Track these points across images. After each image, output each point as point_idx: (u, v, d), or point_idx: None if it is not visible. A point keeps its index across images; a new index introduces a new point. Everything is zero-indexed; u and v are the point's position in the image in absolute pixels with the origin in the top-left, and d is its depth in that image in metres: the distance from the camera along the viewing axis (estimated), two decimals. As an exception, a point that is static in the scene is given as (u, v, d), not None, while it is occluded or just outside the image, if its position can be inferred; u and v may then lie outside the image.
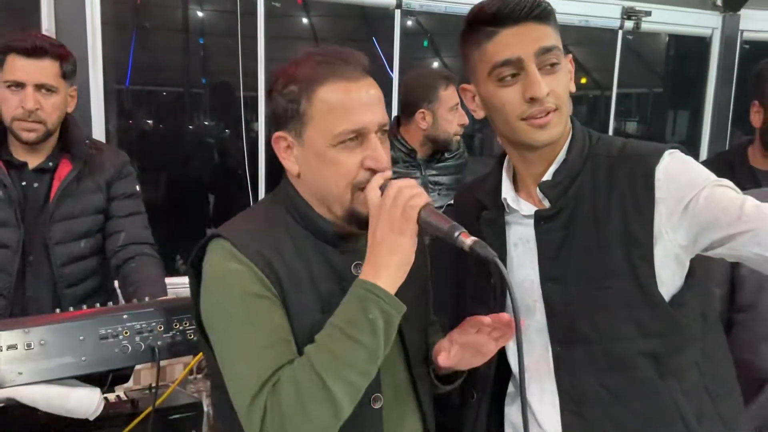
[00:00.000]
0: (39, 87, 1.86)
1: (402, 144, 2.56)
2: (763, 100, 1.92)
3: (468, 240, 1.04)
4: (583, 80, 4.49)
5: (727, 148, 4.36)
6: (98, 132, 3.10)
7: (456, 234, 1.04)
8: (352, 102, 1.09)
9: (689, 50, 4.66)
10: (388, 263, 1.04)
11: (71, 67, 1.94)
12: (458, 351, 1.18)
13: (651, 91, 5.17)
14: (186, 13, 3.74)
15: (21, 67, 1.84)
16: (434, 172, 2.57)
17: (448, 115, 2.47)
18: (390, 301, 1.03)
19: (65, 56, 1.91)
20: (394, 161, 2.45)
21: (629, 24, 4.07)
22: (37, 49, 1.84)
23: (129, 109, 3.72)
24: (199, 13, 3.76)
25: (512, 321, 1.07)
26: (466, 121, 2.48)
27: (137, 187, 2.12)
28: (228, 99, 3.55)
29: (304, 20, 4.02)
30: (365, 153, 1.10)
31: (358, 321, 1.02)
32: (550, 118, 1.16)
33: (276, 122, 1.15)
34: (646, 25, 4.10)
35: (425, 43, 4.47)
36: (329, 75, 1.09)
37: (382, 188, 1.08)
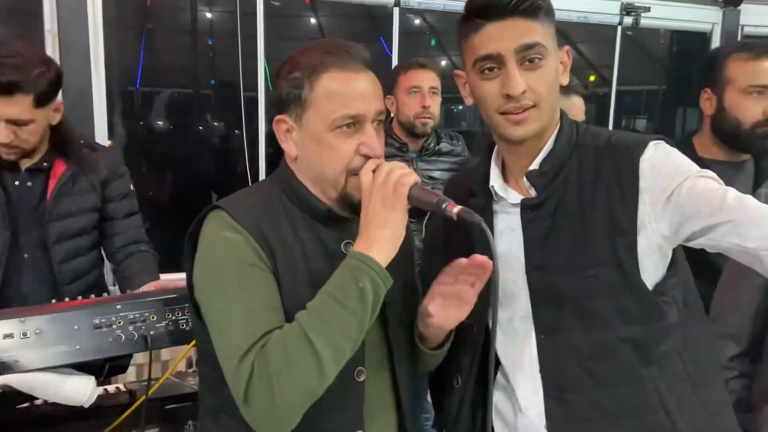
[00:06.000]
0: (11, 122, 1.80)
1: (394, 139, 2.63)
2: (715, 87, 1.92)
3: (455, 209, 1.09)
4: (592, 78, 4.50)
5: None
6: (101, 133, 3.12)
7: (444, 205, 1.10)
8: (351, 91, 1.14)
9: (691, 46, 4.65)
10: (381, 237, 1.10)
11: (50, 90, 1.84)
12: (441, 304, 1.21)
13: (660, 88, 5.16)
14: (195, 14, 3.78)
15: None
16: (427, 165, 2.63)
17: (406, 98, 2.60)
18: (380, 272, 1.08)
19: (40, 84, 1.79)
20: (386, 157, 2.51)
21: (628, 20, 4.07)
22: (5, 87, 1.74)
23: (139, 111, 3.76)
24: (208, 15, 3.80)
25: (487, 261, 1.11)
26: (427, 103, 2.56)
27: (131, 186, 2.15)
28: (233, 99, 3.59)
29: (312, 20, 4.06)
30: (361, 140, 1.16)
31: (348, 289, 1.06)
32: (527, 115, 1.17)
33: (278, 106, 1.20)
34: (645, 21, 4.10)
35: (432, 42, 4.48)
36: (332, 64, 1.15)
37: (375, 172, 1.13)
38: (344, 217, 1.20)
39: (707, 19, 4.33)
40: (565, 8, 3.80)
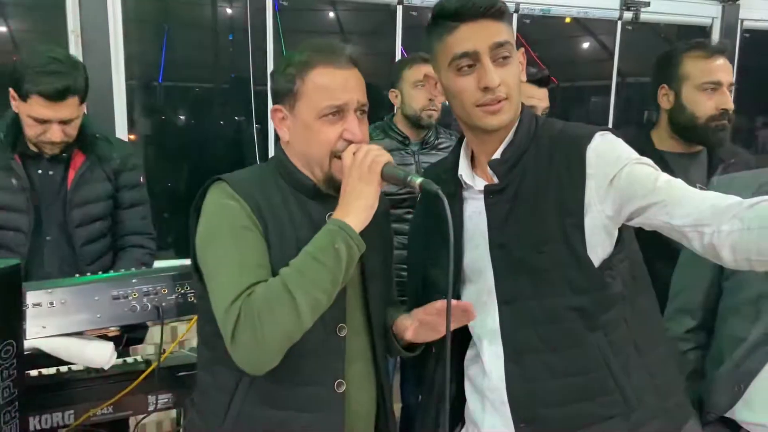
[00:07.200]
0: (62, 122, 2.00)
1: (397, 132, 2.75)
2: (672, 83, 2.03)
3: (418, 181, 1.27)
4: None
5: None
6: (121, 127, 3.30)
7: (409, 179, 1.27)
8: (336, 84, 1.32)
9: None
10: (356, 206, 1.27)
11: (87, 86, 2.03)
12: (417, 326, 1.39)
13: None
14: (215, 10, 3.92)
15: (46, 108, 1.95)
16: (428, 158, 2.74)
17: (412, 91, 2.71)
18: (353, 236, 1.25)
19: (81, 83, 1.99)
20: (389, 150, 2.65)
21: (628, 15, 4.15)
22: (60, 93, 1.93)
23: (161, 105, 3.91)
24: (229, 11, 3.93)
25: (468, 307, 1.30)
26: (433, 96, 2.67)
27: (142, 178, 2.32)
28: (250, 93, 3.74)
29: (331, 14, 4.17)
30: (344, 126, 1.32)
31: (325, 248, 1.23)
32: (501, 106, 1.31)
33: (275, 97, 1.38)
34: (645, 16, 4.18)
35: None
36: (320, 61, 1.32)
37: (356, 153, 1.31)
38: (329, 194, 1.37)
39: (707, 14, 4.40)
40: (566, 3, 3.89)
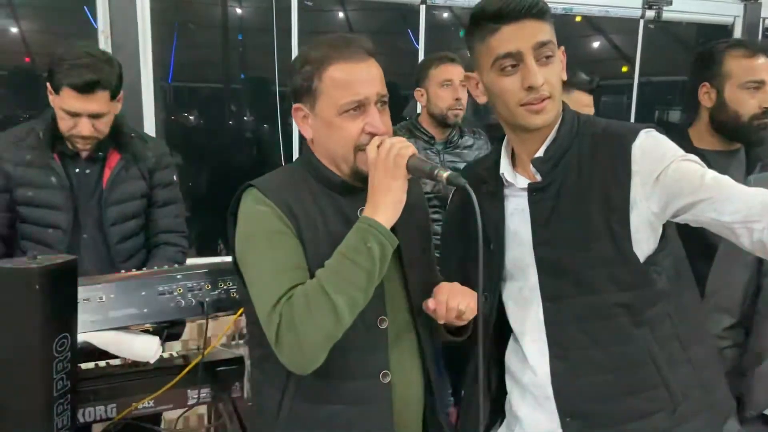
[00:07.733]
0: (92, 116, 2.03)
1: (423, 132, 2.78)
2: (714, 81, 2.03)
3: (445, 174, 1.27)
4: (624, 69, 4.61)
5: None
6: (149, 126, 3.34)
7: (436, 172, 1.27)
8: (354, 79, 1.31)
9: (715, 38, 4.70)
10: (385, 202, 1.28)
11: (119, 83, 2.06)
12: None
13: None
14: (225, 10, 3.95)
15: (75, 99, 1.97)
16: (453, 158, 2.78)
17: (439, 90, 2.73)
18: (384, 233, 1.26)
19: (112, 79, 2.01)
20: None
21: (650, 13, 4.15)
22: (88, 85, 1.96)
23: (171, 105, 3.95)
24: (238, 10, 3.97)
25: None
26: (459, 95, 2.70)
27: (175, 176, 2.35)
28: (264, 93, 3.77)
29: (341, 14, 4.22)
30: (366, 120, 1.33)
31: (358, 248, 1.25)
32: (545, 105, 1.33)
33: (295, 96, 1.38)
34: (667, 14, 4.18)
35: (461, 33, 4.60)
36: (336, 57, 1.32)
37: (379, 147, 1.31)
38: (358, 187, 1.38)
39: (729, 12, 4.40)
40: (587, 2, 3.89)
